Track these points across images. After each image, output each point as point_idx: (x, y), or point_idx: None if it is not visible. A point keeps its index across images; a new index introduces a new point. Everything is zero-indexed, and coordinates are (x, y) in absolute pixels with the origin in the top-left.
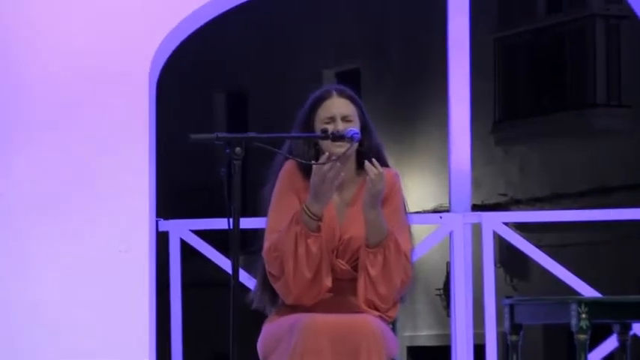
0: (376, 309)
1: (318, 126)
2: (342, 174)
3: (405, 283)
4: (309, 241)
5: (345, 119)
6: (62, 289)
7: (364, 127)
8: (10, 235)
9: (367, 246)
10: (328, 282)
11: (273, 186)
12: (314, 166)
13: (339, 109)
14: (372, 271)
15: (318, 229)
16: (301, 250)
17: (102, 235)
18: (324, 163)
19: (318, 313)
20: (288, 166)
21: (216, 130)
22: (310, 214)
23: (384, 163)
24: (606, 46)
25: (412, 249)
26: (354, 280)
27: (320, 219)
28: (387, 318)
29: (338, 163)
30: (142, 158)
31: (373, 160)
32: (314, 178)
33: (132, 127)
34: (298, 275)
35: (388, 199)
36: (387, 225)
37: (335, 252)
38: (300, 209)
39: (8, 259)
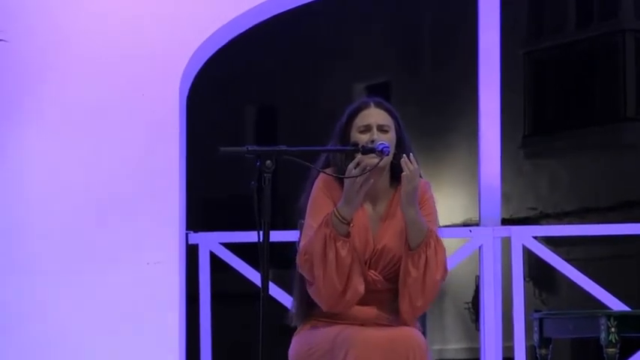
0: (414, 317)
1: (355, 135)
2: (372, 180)
3: (442, 280)
4: (338, 244)
5: (381, 129)
6: (92, 302)
7: (399, 140)
8: (40, 249)
9: (409, 249)
10: (361, 288)
11: (308, 196)
12: (347, 172)
13: (375, 119)
14: (415, 272)
15: (348, 234)
16: (330, 253)
17: (132, 247)
18: (354, 177)
19: (354, 325)
20: (324, 176)
21: (246, 143)
22: (340, 218)
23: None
24: (636, 61)
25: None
26: (386, 291)
27: (349, 223)
28: (419, 328)
29: (367, 168)
30: (173, 171)
31: (411, 155)
32: (346, 181)
33: (162, 140)
34: (328, 279)
35: (420, 205)
36: (427, 223)
37: (368, 263)
38: (331, 213)
39: (38, 272)
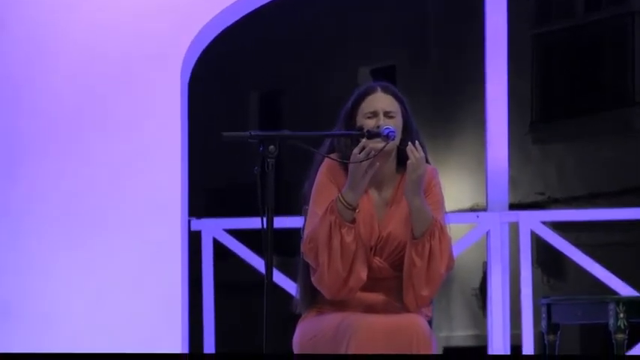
0: (417, 306)
1: (361, 120)
2: (377, 163)
3: (448, 271)
4: (343, 231)
5: (387, 115)
6: (95, 289)
7: (406, 126)
8: (43, 236)
9: (413, 237)
10: (364, 275)
11: (312, 182)
12: (352, 157)
13: (382, 105)
14: (419, 262)
15: (353, 221)
16: (335, 240)
17: (134, 234)
18: (358, 162)
19: (358, 312)
20: (329, 162)
21: (249, 129)
22: (345, 203)
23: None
24: None
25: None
26: (392, 278)
27: (355, 209)
28: (425, 317)
29: (372, 152)
30: (175, 157)
31: (417, 142)
32: (351, 166)
33: (164, 126)
34: (332, 266)
35: (427, 192)
36: (432, 212)
37: (373, 250)
38: (336, 199)
39: (40, 258)
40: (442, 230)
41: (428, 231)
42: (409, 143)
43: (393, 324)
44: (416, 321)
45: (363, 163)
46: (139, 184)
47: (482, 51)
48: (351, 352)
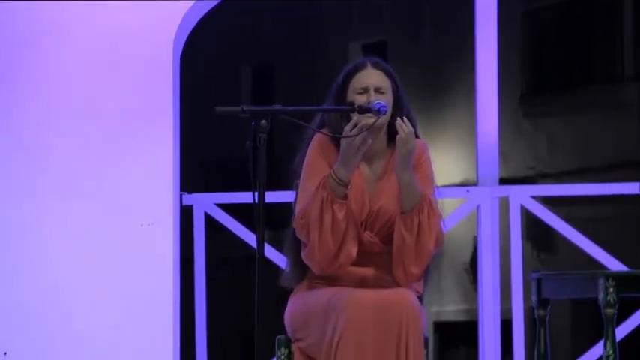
0: (407, 282)
1: (351, 96)
2: (370, 141)
3: (437, 247)
4: (335, 207)
5: (378, 91)
6: (85, 263)
7: (397, 101)
8: (34, 210)
9: (402, 212)
10: (354, 251)
11: (303, 157)
12: (344, 133)
13: (372, 80)
14: (408, 237)
15: (345, 197)
16: (327, 216)
17: (126, 208)
18: (350, 137)
19: (349, 286)
20: (320, 136)
21: (242, 103)
22: (337, 180)
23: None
24: (634, 20)
25: (441, 218)
26: (383, 253)
27: (347, 185)
28: (416, 292)
29: (366, 132)
30: (167, 131)
31: (404, 118)
32: (343, 142)
33: (156, 101)
34: (323, 242)
35: (417, 167)
36: (421, 188)
37: (364, 224)
38: (328, 175)
39: (32, 234)
40: (431, 206)
41: (417, 206)
42: (398, 118)
43: (382, 299)
44: (405, 296)
45: (356, 139)
46: (131, 159)
47: (473, 25)
48: (340, 327)
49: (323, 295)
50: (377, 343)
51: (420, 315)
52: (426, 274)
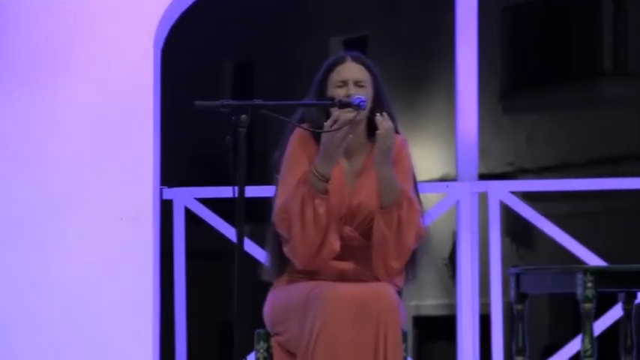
0: (388, 276)
1: (331, 90)
2: (351, 136)
3: (418, 242)
4: (316, 202)
5: (357, 84)
6: (65, 257)
7: (377, 96)
8: (11, 205)
9: (381, 207)
10: (336, 246)
11: (284, 151)
12: (325, 128)
13: (351, 74)
14: (387, 232)
15: (326, 192)
16: (308, 211)
17: (106, 203)
18: (330, 131)
19: (329, 281)
20: (300, 131)
21: (222, 98)
22: (318, 175)
23: (395, 132)
24: (614, 15)
25: (423, 212)
26: (362, 248)
27: (327, 180)
28: (395, 287)
29: (347, 127)
30: (147, 126)
31: (384, 114)
32: (324, 137)
33: (137, 95)
34: (305, 237)
35: (396, 162)
36: (400, 184)
37: (343, 219)
38: (309, 170)
39: (10, 228)
40: (410, 201)
41: (396, 201)
42: (377, 114)
43: (361, 294)
44: (384, 290)
45: (337, 134)
46: (111, 153)
47: (453, 21)
48: (319, 321)
49: (302, 289)
50: (355, 337)
51: (399, 309)
52: (411, 269)
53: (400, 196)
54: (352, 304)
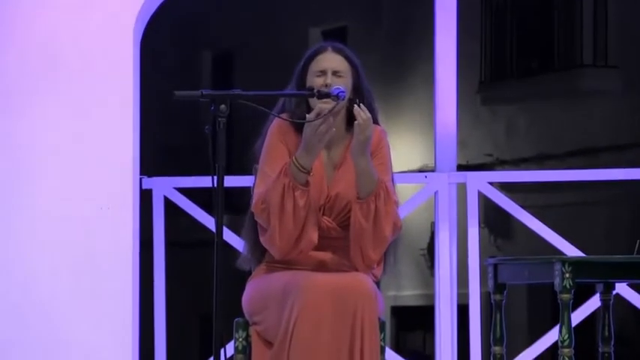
0: (366, 267)
1: (310, 80)
2: (334, 129)
3: (395, 233)
4: (296, 193)
5: (336, 74)
6: (44, 245)
7: (357, 87)
8: None
9: (358, 198)
10: (314, 237)
11: (263, 141)
12: (307, 119)
13: (330, 64)
14: (365, 223)
15: (307, 184)
16: (288, 202)
17: (85, 192)
18: (312, 121)
19: (307, 270)
20: (280, 122)
21: (201, 88)
22: (299, 166)
23: (374, 123)
24: (593, 7)
25: (398, 204)
26: (340, 238)
27: (309, 172)
28: (373, 277)
29: (331, 119)
30: (127, 115)
31: (361, 105)
32: (306, 129)
33: (116, 85)
34: (284, 229)
35: (375, 153)
36: (378, 174)
37: (322, 209)
38: (290, 161)
39: None
40: (387, 192)
41: (373, 192)
42: (355, 105)
43: (338, 284)
44: (361, 280)
45: (320, 127)
46: (91, 142)
47: (433, 12)
48: (296, 310)
49: (280, 278)
50: (332, 327)
51: (376, 299)
52: (388, 259)
53: (377, 187)
54: (329, 294)
